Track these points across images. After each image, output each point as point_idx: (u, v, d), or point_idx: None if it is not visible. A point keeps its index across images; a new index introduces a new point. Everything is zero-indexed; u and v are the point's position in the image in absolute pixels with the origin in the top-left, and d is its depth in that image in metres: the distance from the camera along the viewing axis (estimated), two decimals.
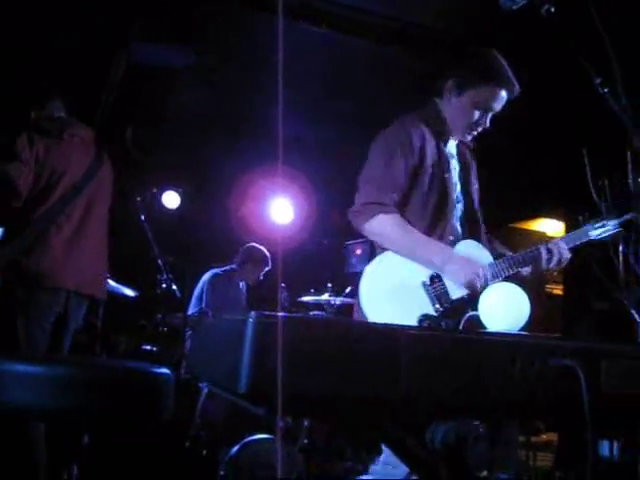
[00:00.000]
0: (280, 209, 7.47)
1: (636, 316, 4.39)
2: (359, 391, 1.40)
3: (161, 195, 7.22)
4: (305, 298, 5.65)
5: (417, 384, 1.40)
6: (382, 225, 2.83)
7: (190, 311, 5.95)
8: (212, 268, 6.30)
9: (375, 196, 2.87)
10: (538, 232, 7.99)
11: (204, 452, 4.50)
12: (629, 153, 4.30)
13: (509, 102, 2.92)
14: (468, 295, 2.63)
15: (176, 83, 6.47)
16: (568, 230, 7.19)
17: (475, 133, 3.00)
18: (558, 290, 7.97)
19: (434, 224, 2.91)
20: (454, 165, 3.03)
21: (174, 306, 5.54)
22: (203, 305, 5.95)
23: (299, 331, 1.35)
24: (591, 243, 4.05)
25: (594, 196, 4.58)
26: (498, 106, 2.90)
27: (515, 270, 2.75)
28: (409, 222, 2.86)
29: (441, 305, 2.75)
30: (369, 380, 1.38)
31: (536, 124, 5.91)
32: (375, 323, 1.46)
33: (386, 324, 1.46)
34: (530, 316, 1.68)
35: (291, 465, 4.18)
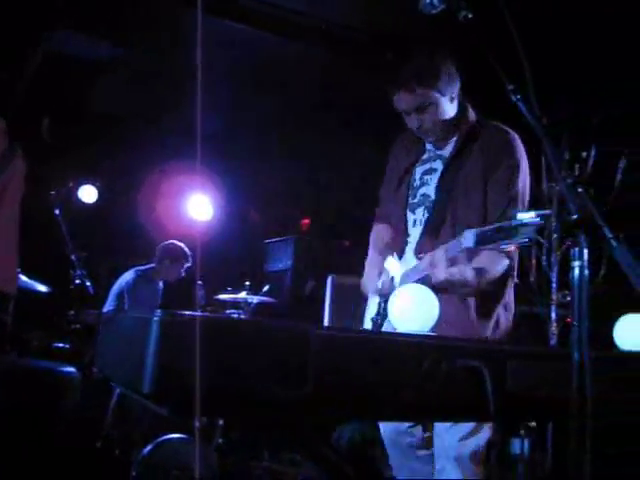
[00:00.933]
0: (198, 206, 7.39)
1: (547, 318, 4.51)
2: (267, 391, 1.39)
3: (77, 189, 7.09)
4: (222, 296, 5.61)
5: (325, 384, 1.40)
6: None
7: (106, 308, 5.84)
8: (133, 267, 6.18)
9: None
10: None
11: (116, 452, 4.42)
12: (543, 160, 4.41)
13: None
14: None
15: (96, 75, 6.35)
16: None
17: (427, 135, 2.88)
18: None
19: (395, 237, 3.00)
20: (436, 167, 2.92)
21: (88, 303, 5.43)
22: (126, 306, 5.83)
23: (206, 330, 1.33)
24: None
25: None
26: (404, 107, 2.80)
27: (418, 276, 2.59)
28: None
29: (379, 311, 2.76)
30: (277, 380, 1.38)
31: None
32: (284, 322, 1.45)
33: (295, 324, 1.45)
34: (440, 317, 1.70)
35: (206, 465, 4.14)
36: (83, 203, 7.16)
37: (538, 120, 1.86)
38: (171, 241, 6.30)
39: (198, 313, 1.37)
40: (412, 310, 1.59)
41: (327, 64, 6.01)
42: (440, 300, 1.71)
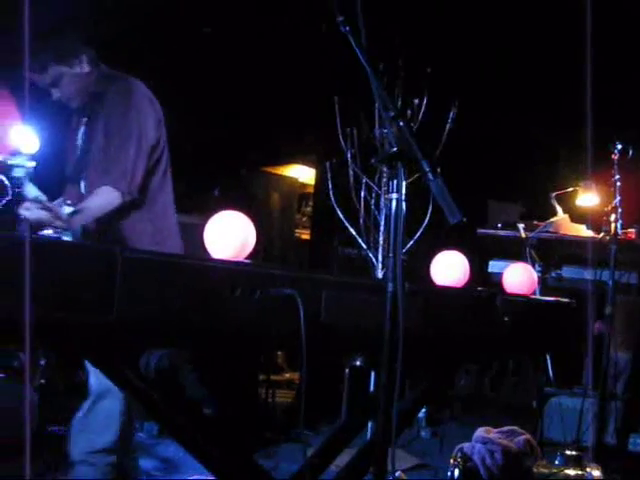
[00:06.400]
0: None
1: (373, 260, 4.61)
2: (69, 315, 1.31)
3: None
4: None
5: (132, 309, 1.34)
6: None
7: None
8: None
9: None
10: (291, 177, 8.13)
11: None
12: (377, 105, 4.45)
13: None
14: None
15: None
16: (319, 177, 7.41)
17: (69, 104, 2.94)
18: (306, 235, 8.18)
19: None
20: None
21: None
22: None
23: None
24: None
25: (342, 144, 4.71)
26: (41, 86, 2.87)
27: None
28: None
29: None
30: (81, 303, 1.30)
31: (289, 74, 5.91)
32: (90, 243, 1.37)
33: (101, 245, 1.37)
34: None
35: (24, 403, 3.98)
36: None
37: (365, 53, 1.84)
38: None
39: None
40: (229, 237, 1.56)
41: None
42: None
